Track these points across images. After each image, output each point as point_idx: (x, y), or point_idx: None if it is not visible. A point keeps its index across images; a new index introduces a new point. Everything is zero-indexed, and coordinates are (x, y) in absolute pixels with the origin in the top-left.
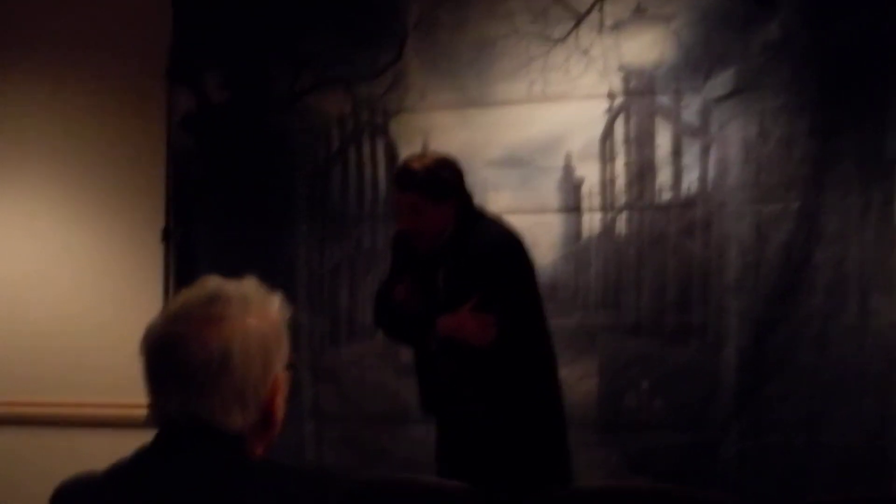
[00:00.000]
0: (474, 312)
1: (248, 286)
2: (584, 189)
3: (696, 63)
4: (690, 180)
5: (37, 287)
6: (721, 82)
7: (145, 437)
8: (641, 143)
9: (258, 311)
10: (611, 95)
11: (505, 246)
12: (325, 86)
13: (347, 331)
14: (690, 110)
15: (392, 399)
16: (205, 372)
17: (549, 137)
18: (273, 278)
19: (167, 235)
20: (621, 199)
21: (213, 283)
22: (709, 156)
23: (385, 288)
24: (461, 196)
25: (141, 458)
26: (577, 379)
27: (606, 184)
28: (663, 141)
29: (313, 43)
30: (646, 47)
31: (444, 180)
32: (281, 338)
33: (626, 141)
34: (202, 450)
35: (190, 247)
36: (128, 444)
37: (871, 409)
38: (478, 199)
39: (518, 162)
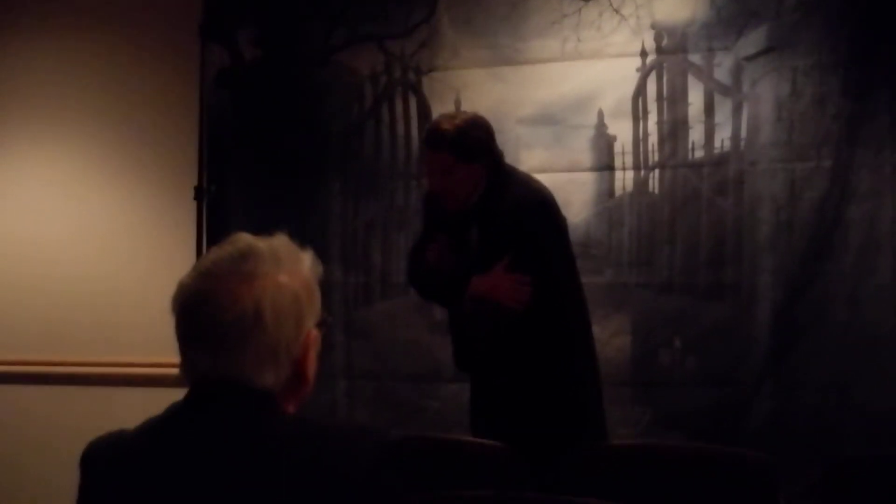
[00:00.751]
0: (508, 273)
1: (280, 243)
2: (617, 147)
3: (728, 21)
4: (723, 138)
5: (70, 246)
6: (753, 40)
7: (177, 395)
8: (674, 101)
9: (290, 268)
10: (643, 53)
11: (537, 204)
12: (357, 43)
13: (381, 287)
14: (723, 68)
15: (425, 356)
16: (237, 329)
17: (581, 95)
18: (306, 235)
19: (200, 194)
20: (654, 157)
21: (244, 240)
22: (741, 114)
23: (418, 248)
24: (492, 156)
25: (172, 415)
26: (610, 336)
27: (639, 142)
28: (695, 99)
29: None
30: (678, 5)
31: (474, 140)
32: (313, 295)
33: (659, 99)
34: (234, 407)
35: (223, 204)
36: (160, 402)
37: None
38: (510, 158)
39: (550, 119)
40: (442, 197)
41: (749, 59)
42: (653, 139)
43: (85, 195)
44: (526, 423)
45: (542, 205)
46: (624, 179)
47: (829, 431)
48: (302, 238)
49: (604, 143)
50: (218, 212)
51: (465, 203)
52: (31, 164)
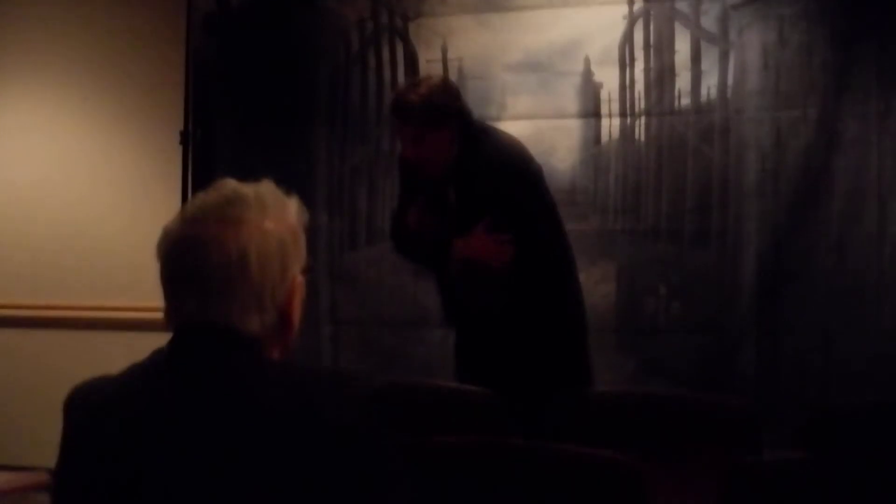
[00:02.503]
0: (489, 233)
1: (266, 189)
2: (603, 94)
3: None
4: (709, 86)
5: (54, 190)
6: None
7: (162, 340)
8: (660, 48)
9: (275, 214)
10: (630, 1)
11: (508, 164)
12: None
13: (366, 233)
14: (709, 16)
15: (410, 302)
16: (222, 274)
17: (567, 42)
18: (291, 180)
19: (185, 138)
20: (640, 104)
21: (229, 185)
22: (727, 62)
23: (398, 213)
24: (460, 117)
25: (157, 360)
26: (595, 283)
27: (625, 89)
28: (682, 47)
29: None
30: None
31: (440, 106)
32: (298, 241)
33: (645, 47)
34: (219, 352)
35: (209, 149)
36: (144, 346)
37: (889, 315)
38: (496, 104)
39: (537, 66)
40: (417, 165)
41: (736, 7)
42: (639, 87)
43: (69, 139)
44: (513, 369)
45: (513, 164)
46: (610, 127)
47: (813, 378)
48: (288, 183)
49: (590, 90)
50: (204, 156)
51: (441, 168)
52: (15, 107)
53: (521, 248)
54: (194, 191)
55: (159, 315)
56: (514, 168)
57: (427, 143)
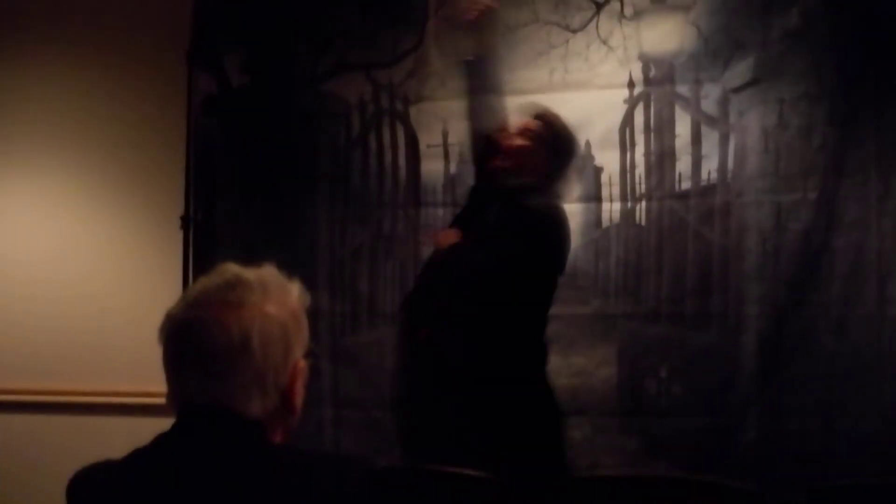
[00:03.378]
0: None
1: (267, 273)
2: (604, 178)
3: (715, 52)
4: (710, 169)
5: (56, 272)
6: (740, 71)
7: (165, 424)
8: (661, 131)
9: (277, 297)
10: (630, 84)
11: (555, 218)
12: (345, 71)
13: (368, 316)
14: (709, 99)
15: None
16: (225, 356)
17: (569, 125)
18: (293, 263)
19: (186, 222)
20: (641, 187)
21: (231, 270)
22: (728, 145)
23: None
24: (559, 163)
25: (160, 444)
26: (597, 366)
27: (626, 172)
28: (683, 130)
29: (335, 26)
30: (665, 36)
31: (566, 139)
32: (300, 324)
33: (646, 130)
34: (222, 435)
35: (210, 231)
36: (147, 431)
37: (889, 395)
38: None
39: None
40: (506, 172)
41: (736, 90)
42: (640, 170)
43: (72, 222)
44: (478, 451)
45: (559, 221)
46: (611, 210)
47: (814, 459)
48: (289, 265)
49: (591, 174)
50: (205, 239)
51: (518, 168)
52: (20, 188)
53: (501, 294)
54: (195, 274)
55: (162, 400)
56: (556, 225)
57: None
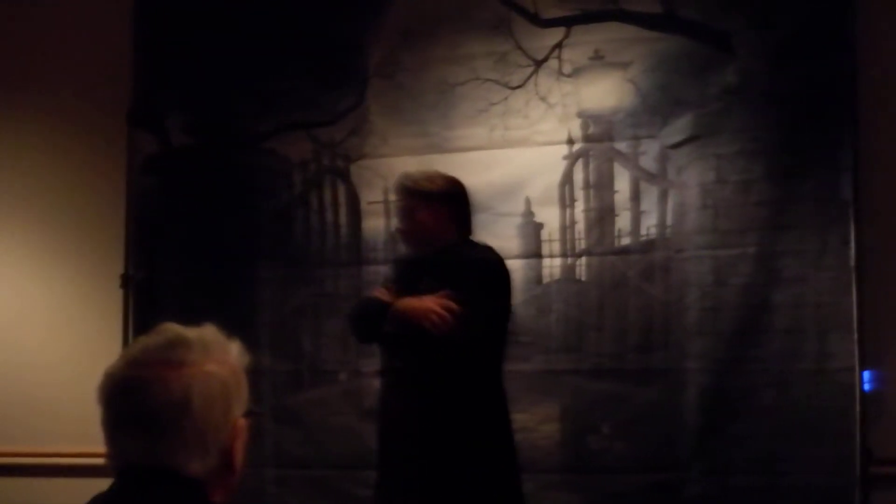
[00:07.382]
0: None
1: (208, 332)
2: (544, 234)
3: (653, 109)
4: (649, 225)
5: None
6: (678, 128)
7: (104, 485)
8: (600, 188)
9: (218, 356)
10: (570, 141)
11: (495, 264)
12: (286, 130)
13: (310, 374)
14: (648, 156)
15: (356, 442)
16: (164, 416)
17: (509, 183)
18: (235, 321)
19: (126, 281)
20: (581, 243)
21: (172, 329)
22: (667, 200)
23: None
24: (458, 210)
25: None
26: (539, 422)
27: (566, 229)
28: (622, 186)
29: (277, 86)
30: (604, 93)
31: (437, 186)
32: (240, 384)
33: (585, 186)
34: (162, 495)
35: (151, 291)
36: (88, 492)
37: (831, 449)
38: None
39: (478, 207)
40: (405, 238)
41: (674, 146)
42: (580, 226)
43: (9, 281)
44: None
45: (500, 267)
46: (552, 266)
47: None
48: (231, 325)
49: (531, 231)
50: (146, 298)
51: (424, 245)
52: None
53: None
54: (136, 333)
55: (101, 460)
56: (497, 270)
57: (416, 216)
